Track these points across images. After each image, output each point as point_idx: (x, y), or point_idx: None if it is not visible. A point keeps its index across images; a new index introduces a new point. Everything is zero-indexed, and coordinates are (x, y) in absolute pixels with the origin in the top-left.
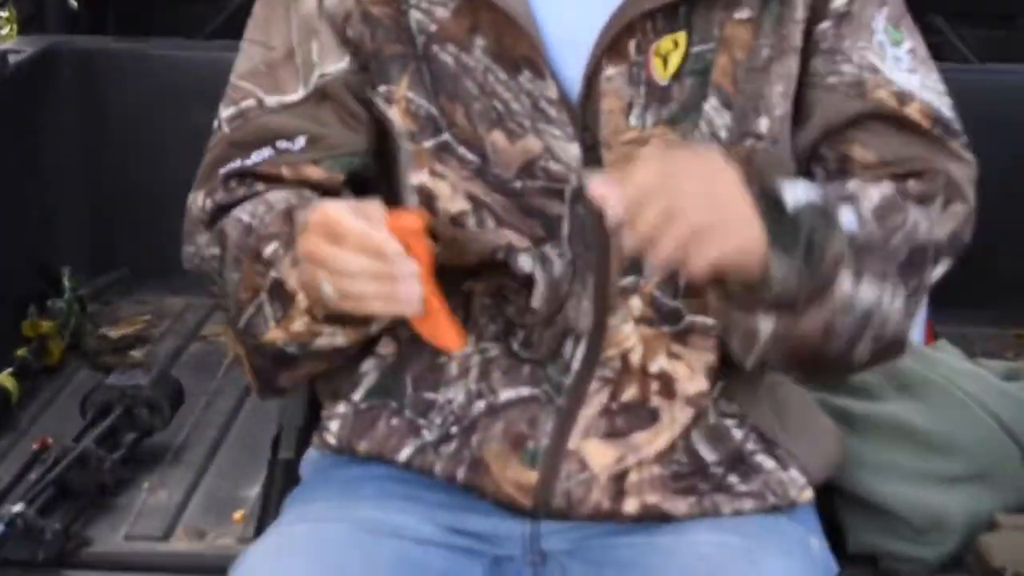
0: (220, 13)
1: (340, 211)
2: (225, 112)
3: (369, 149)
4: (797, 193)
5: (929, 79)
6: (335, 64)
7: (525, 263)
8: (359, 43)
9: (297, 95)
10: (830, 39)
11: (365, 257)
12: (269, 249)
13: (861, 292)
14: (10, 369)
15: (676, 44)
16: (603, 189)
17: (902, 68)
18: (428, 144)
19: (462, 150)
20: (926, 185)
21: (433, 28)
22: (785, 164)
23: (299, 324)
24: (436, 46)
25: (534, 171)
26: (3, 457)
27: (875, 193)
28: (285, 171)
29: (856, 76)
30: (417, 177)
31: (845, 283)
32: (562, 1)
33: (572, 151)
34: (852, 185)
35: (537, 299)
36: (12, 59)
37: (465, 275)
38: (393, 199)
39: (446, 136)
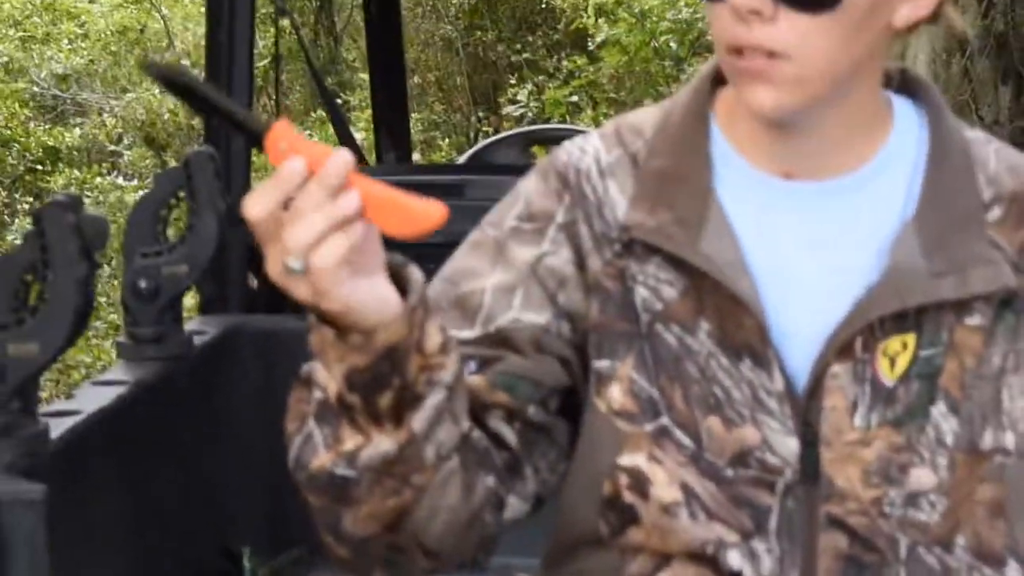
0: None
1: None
2: None
3: (543, 385)
4: None
5: None
6: (534, 317)
7: (734, 559)
8: (573, 311)
9: (474, 332)
10: None
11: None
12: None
13: None
14: None
15: (905, 346)
16: None
17: None
18: (648, 428)
19: (679, 434)
20: None
21: (659, 307)
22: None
23: (350, 440)
24: (660, 325)
25: (748, 461)
26: None
27: None
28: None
29: None
30: (631, 459)
31: None
32: (791, 294)
33: (790, 445)
34: None
35: None
36: (197, 340)
37: (659, 564)
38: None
39: (665, 420)
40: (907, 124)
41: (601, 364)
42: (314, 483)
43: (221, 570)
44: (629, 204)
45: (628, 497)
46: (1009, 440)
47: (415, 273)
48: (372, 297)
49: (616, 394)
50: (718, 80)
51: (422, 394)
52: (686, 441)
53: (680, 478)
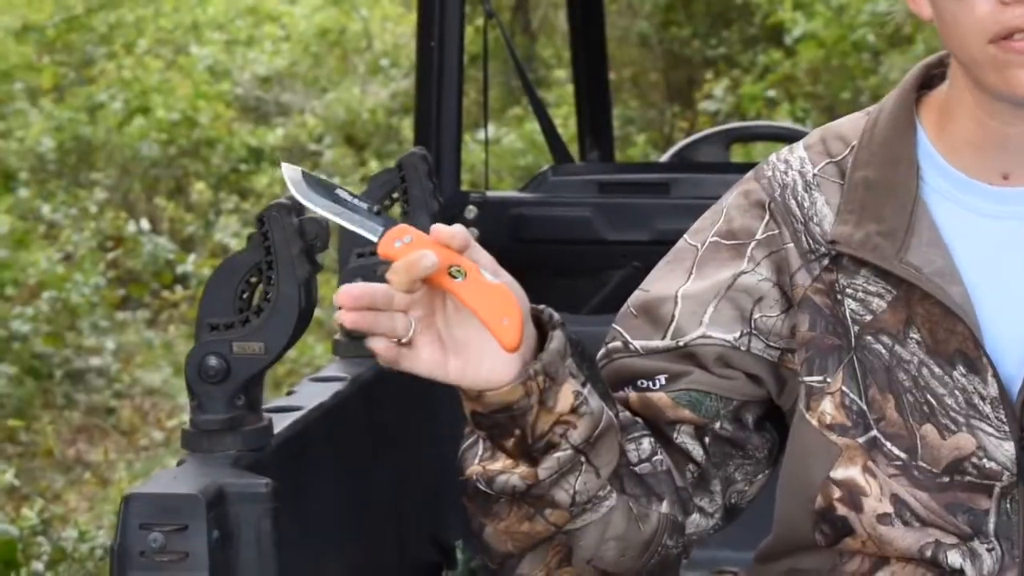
0: (602, 288)
1: None
2: (599, 352)
3: (731, 400)
4: None
5: None
6: (723, 334)
7: (955, 559)
8: (773, 330)
9: (663, 343)
10: None
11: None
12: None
13: None
14: None
15: None
16: None
17: None
18: (861, 440)
19: (889, 446)
20: None
21: (868, 318)
22: None
23: (499, 461)
24: (870, 336)
25: (964, 468)
26: None
27: None
28: (632, 395)
29: None
30: (845, 471)
31: None
32: (1006, 299)
33: (1007, 450)
34: None
35: None
36: None
37: (878, 564)
38: (749, 472)
39: (875, 432)
40: None
41: (813, 379)
42: (465, 487)
43: (433, 561)
44: (836, 216)
45: (841, 510)
46: None
47: (554, 341)
48: (471, 369)
49: (828, 407)
50: (924, 86)
51: (555, 444)
52: (897, 451)
53: (891, 490)
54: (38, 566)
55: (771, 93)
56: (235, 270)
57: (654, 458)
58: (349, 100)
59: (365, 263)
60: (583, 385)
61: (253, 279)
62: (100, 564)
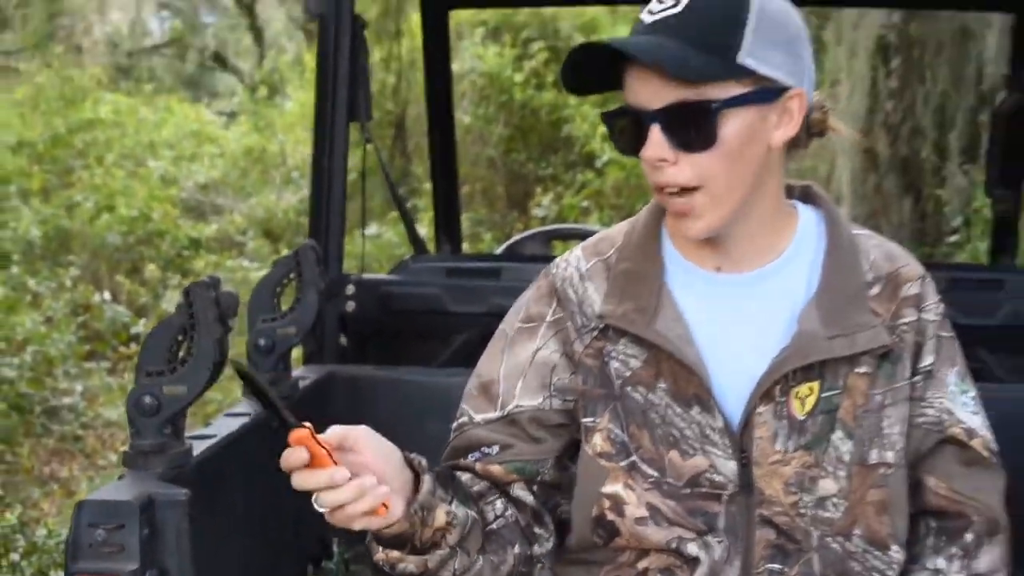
0: (448, 348)
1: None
2: (453, 424)
3: (545, 460)
4: None
5: (983, 417)
6: (531, 400)
7: (693, 550)
8: (564, 389)
9: (493, 415)
10: (919, 390)
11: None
12: None
13: None
14: None
15: (811, 390)
16: None
17: (968, 410)
18: (621, 463)
19: (645, 467)
20: (975, 533)
21: (627, 374)
22: (899, 490)
23: (395, 551)
24: (629, 387)
25: (700, 481)
26: None
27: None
28: (478, 467)
29: (936, 417)
30: (611, 487)
31: None
32: (726, 356)
33: (731, 467)
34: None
35: (700, 575)
36: (301, 383)
37: (640, 557)
38: (571, 498)
39: (634, 457)
40: (808, 226)
41: (587, 420)
42: (373, 560)
43: (315, 554)
44: (602, 299)
45: (610, 516)
46: (890, 456)
47: (425, 484)
48: (375, 523)
49: (598, 440)
50: None
51: (437, 543)
52: (650, 471)
53: (646, 499)
54: (15, 556)
55: (585, 204)
56: (166, 330)
57: (506, 513)
58: (267, 203)
59: (265, 327)
60: (450, 504)
61: (180, 337)
62: (63, 555)
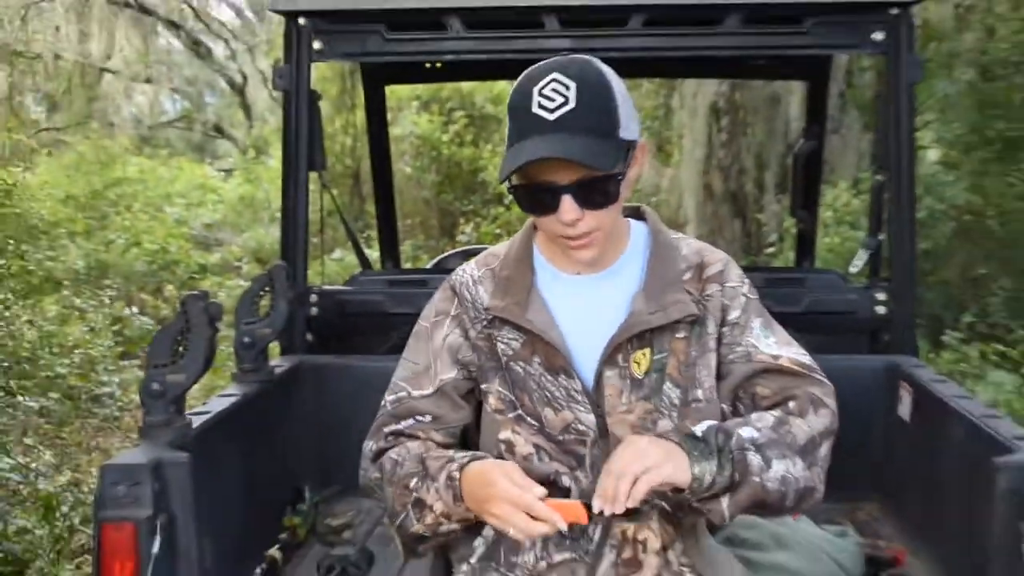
0: (389, 340)
1: (501, 476)
2: (389, 397)
3: (468, 419)
4: (703, 426)
5: (790, 349)
6: (448, 374)
7: (565, 481)
8: (467, 363)
9: (428, 391)
10: (729, 337)
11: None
12: (412, 482)
13: (772, 469)
14: (277, 545)
15: (645, 355)
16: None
17: (771, 344)
18: (510, 416)
19: (529, 419)
20: (800, 404)
21: (510, 352)
22: (714, 412)
23: (431, 518)
24: (511, 362)
25: (569, 430)
26: None
27: (770, 416)
28: (420, 434)
29: (745, 351)
30: (504, 434)
31: (755, 464)
32: (581, 336)
33: (590, 419)
34: (754, 416)
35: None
36: (277, 370)
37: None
38: (478, 445)
39: (520, 412)
40: (638, 236)
41: (484, 386)
42: (407, 535)
43: (294, 500)
44: (489, 297)
45: (506, 455)
46: (700, 394)
47: None
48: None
49: (492, 400)
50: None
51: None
52: (533, 422)
53: (533, 441)
54: (65, 508)
55: (497, 231)
56: (168, 332)
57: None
58: (258, 236)
59: (247, 328)
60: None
61: (179, 338)
62: None
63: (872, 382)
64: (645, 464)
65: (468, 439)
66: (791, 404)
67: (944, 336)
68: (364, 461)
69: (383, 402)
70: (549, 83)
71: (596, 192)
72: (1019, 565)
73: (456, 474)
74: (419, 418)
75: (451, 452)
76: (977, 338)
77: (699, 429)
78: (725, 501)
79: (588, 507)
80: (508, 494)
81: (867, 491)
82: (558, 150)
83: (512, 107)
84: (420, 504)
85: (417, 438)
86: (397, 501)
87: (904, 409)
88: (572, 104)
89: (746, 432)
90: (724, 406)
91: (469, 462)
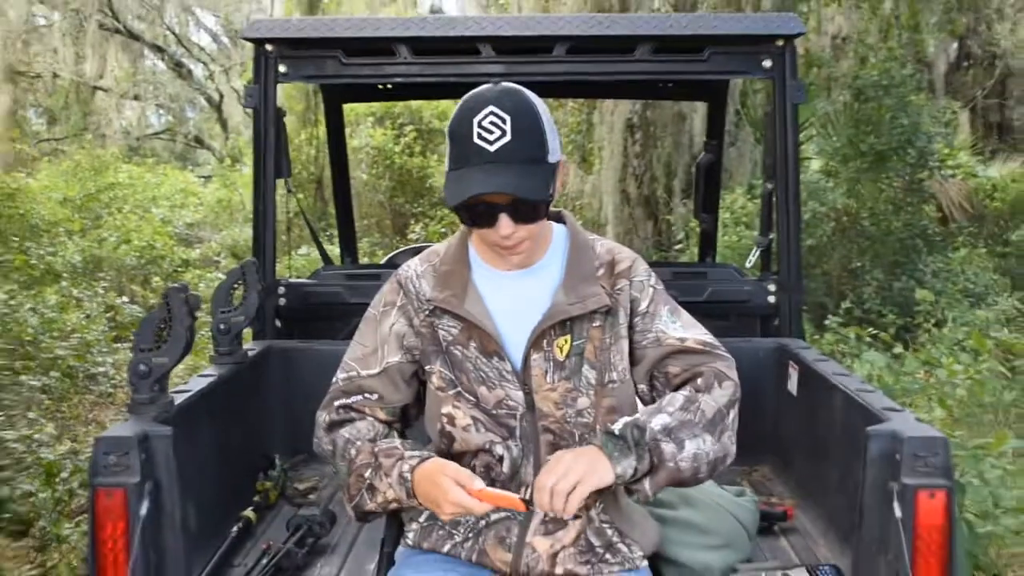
0: (347, 327)
1: (446, 478)
2: (341, 375)
3: (408, 400)
4: (620, 424)
5: (694, 330)
6: (394, 358)
7: (499, 450)
8: (412, 347)
9: (375, 371)
10: (640, 325)
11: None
12: (367, 472)
13: (686, 448)
14: (251, 507)
15: (566, 341)
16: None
17: (678, 328)
18: (451, 392)
19: (467, 395)
20: (706, 379)
21: (450, 338)
22: (628, 391)
23: (382, 499)
24: (451, 346)
25: (501, 405)
26: (247, 553)
27: (679, 397)
28: (366, 410)
29: (655, 336)
30: (446, 409)
31: (669, 450)
32: (511, 324)
33: (519, 396)
34: (665, 400)
35: (506, 468)
36: (249, 353)
37: (471, 457)
38: (423, 419)
39: (459, 389)
40: (559, 237)
41: (428, 367)
42: (361, 510)
43: (265, 467)
44: (431, 289)
45: (448, 428)
46: (614, 375)
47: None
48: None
49: (435, 380)
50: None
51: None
52: (470, 398)
53: (471, 414)
54: (65, 474)
55: (443, 230)
56: (153, 320)
57: (388, 436)
58: (234, 235)
59: (223, 316)
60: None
61: (162, 325)
62: None
63: (765, 361)
64: (572, 481)
65: (408, 417)
66: (699, 380)
67: (826, 320)
68: (318, 430)
69: (335, 379)
70: (487, 116)
71: (528, 210)
72: (890, 517)
73: (408, 475)
74: (367, 395)
75: (398, 443)
76: (854, 322)
77: (617, 427)
78: (647, 483)
79: (525, 502)
80: (454, 498)
81: (761, 455)
82: (500, 184)
83: (453, 133)
84: (373, 489)
85: (363, 413)
86: (352, 486)
87: (792, 384)
88: (508, 137)
89: (658, 421)
90: (642, 385)
91: (419, 463)
